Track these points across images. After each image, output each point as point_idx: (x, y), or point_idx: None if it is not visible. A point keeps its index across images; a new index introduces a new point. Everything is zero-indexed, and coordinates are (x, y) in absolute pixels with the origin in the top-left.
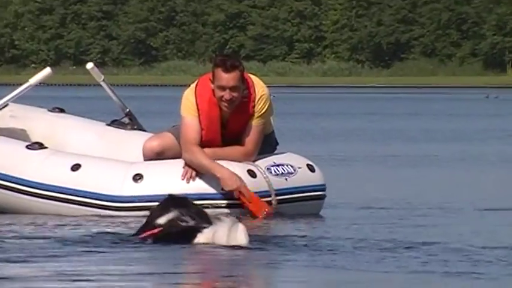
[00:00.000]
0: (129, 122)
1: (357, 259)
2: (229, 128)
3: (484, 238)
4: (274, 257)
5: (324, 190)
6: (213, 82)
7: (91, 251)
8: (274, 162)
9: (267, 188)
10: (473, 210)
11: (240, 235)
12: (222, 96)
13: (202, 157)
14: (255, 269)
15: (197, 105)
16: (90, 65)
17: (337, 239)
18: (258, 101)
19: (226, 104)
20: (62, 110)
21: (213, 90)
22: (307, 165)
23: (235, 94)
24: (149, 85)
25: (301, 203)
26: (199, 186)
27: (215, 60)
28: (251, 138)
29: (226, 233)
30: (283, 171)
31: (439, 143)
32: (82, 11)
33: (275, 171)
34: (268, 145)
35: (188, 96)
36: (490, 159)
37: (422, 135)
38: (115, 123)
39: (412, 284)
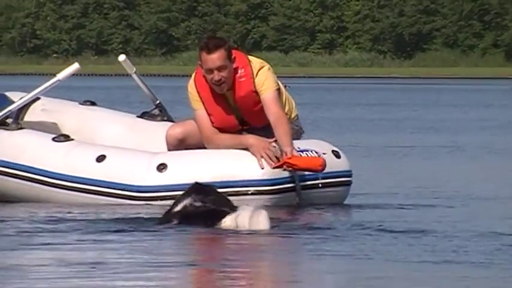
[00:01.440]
0: (159, 113)
1: (380, 248)
2: (243, 110)
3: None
4: (298, 245)
5: (350, 176)
6: (201, 67)
7: (112, 240)
8: (298, 148)
9: (291, 174)
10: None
11: (262, 220)
12: (212, 79)
13: (223, 140)
14: (277, 256)
15: (199, 94)
16: (122, 57)
17: (362, 227)
18: (257, 75)
19: (217, 86)
20: (93, 103)
21: (205, 76)
22: (333, 151)
23: (223, 74)
24: (171, 75)
25: (326, 190)
26: (225, 174)
27: (199, 44)
28: (271, 110)
29: (248, 217)
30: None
31: (466, 133)
32: (104, 1)
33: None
34: (293, 132)
35: (189, 88)
36: None
37: (450, 126)
38: (145, 115)
39: (440, 271)
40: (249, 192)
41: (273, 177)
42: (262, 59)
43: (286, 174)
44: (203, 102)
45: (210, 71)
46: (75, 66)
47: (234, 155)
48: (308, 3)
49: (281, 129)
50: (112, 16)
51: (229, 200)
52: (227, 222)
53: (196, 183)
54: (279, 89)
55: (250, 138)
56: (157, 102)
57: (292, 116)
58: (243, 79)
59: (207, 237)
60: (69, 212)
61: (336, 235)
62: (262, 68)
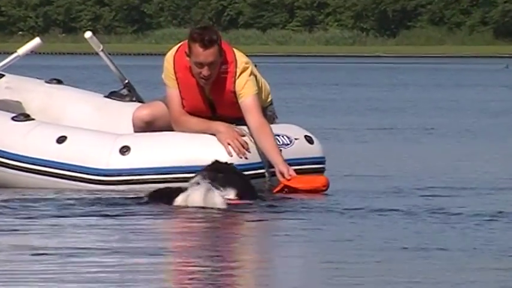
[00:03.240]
0: (128, 93)
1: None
2: (217, 102)
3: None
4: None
5: (323, 163)
6: (188, 56)
7: (94, 224)
8: None
9: (259, 159)
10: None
11: (217, 197)
12: (200, 73)
13: (192, 123)
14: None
15: (175, 73)
16: (88, 34)
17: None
18: (239, 76)
19: (204, 80)
20: (59, 82)
21: (190, 64)
22: (305, 136)
23: (213, 70)
24: (142, 54)
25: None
26: (191, 158)
27: (192, 34)
28: (252, 117)
29: (202, 195)
30: (278, 142)
31: (466, 112)
32: None
33: None
34: (267, 118)
35: (166, 63)
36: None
37: (450, 106)
38: (113, 94)
39: (415, 259)
40: None
41: (241, 163)
42: (238, 36)
43: (254, 160)
44: (178, 83)
45: (201, 65)
46: (36, 41)
47: (200, 139)
48: None
49: (267, 142)
50: None
51: (236, 181)
52: (180, 199)
53: (216, 161)
54: (258, 93)
55: (220, 125)
56: (126, 81)
57: (268, 101)
58: (224, 75)
59: (178, 221)
60: (32, 195)
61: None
62: (245, 70)
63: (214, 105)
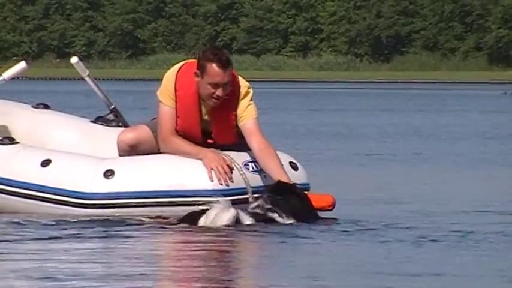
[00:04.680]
0: (114, 118)
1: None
2: (214, 126)
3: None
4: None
5: (307, 190)
6: (200, 77)
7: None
8: (253, 158)
9: (243, 185)
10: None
11: (226, 216)
12: (214, 93)
13: (180, 145)
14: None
15: (175, 92)
16: (74, 59)
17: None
18: (242, 98)
19: (215, 100)
20: (46, 106)
21: (197, 84)
22: (290, 162)
23: (226, 91)
24: (136, 79)
25: None
26: (175, 183)
27: (206, 54)
28: (255, 139)
29: (214, 214)
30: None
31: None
32: (66, 1)
33: (253, 168)
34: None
35: (166, 80)
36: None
37: (443, 133)
38: (100, 120)
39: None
40: (199, 203)
41: (224, 188)
42: (233, 62)
43: (238, 185)
44: (176, 102)
45: (217, 85)
46: (21, 65)
47: (185, 163)
48: (281, 3)
49: (272, 163)
50: (75, 17)
51: (292, 206)
52: (201, 221)
53: (279, 181)
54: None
55: (208, 151)
56: (112, 106)
57: None
58: (227, 97)
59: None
60: (19, 218)
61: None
62: (248, 93)
63: (208, 128)
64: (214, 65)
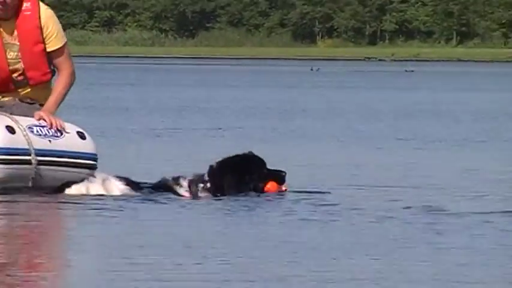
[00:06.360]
0: None
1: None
2: (21, 46)
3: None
4: None
5: (94, 160)
6: None
7: None
8: (39, 123)
9: (26, 146)
10: None
11: (116, 185)
12: None
13: None
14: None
15: None
16: None
17: None
18: (46, 18)
19: (0, 6)
20: None
21: None
22: (77, 132)
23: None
24: None
25: (66, 169)
26: None
27: None
28: (65, 64)
29: (101, 183)
30: (48, 133)
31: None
32: None
33: (38, 132)
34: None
35: None
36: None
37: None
38: None
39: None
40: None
41: (5, 146)
42: None
43: (21, 145)
44: None
45: None
46: None
47: None
48: None
49: (61, 92)
50: None
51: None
52: (76, 188)
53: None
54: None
55: None
56: None
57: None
58: (28, 13)
59: None
60: None
61: None
62: (51, 14)
63: (17, 52)
64: None
